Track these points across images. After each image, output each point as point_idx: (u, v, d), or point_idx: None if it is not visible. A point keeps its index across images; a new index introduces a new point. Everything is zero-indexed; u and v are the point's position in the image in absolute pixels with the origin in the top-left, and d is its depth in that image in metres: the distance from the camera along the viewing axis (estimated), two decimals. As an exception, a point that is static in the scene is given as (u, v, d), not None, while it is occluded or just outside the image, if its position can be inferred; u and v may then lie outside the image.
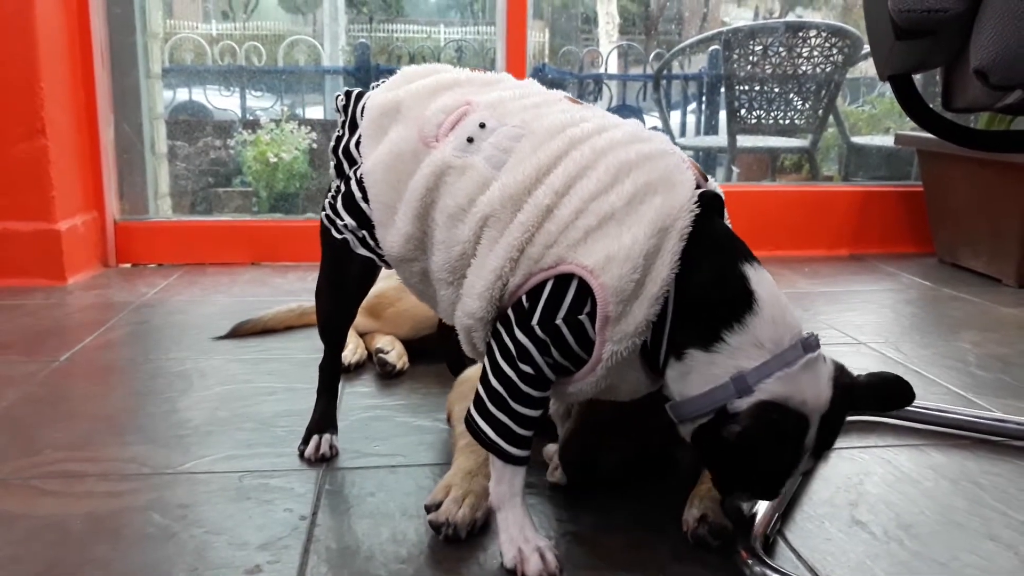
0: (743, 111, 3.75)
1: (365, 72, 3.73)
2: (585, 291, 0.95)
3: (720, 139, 4.05)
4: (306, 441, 1.33)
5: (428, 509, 1.11)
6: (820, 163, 3.96)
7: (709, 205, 0.99)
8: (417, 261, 1.12)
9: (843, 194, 3.21)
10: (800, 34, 3.71)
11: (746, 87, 3.74)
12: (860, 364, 1.83)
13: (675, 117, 4.50)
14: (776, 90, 3.72)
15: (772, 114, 3.74)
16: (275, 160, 3.34)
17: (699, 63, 4.44)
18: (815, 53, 3.68)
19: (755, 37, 3.75)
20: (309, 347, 1.83)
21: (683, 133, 4.50)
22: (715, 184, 1.06)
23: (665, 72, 4.37)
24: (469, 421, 1.04)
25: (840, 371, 0.98)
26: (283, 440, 1.38)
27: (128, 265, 2.77)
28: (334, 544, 1.08)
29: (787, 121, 3.76)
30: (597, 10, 4.92)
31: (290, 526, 1.12)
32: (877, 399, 1.04)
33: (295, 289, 2.43)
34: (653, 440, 1.24)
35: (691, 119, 4.58)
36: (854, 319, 2.21)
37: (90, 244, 2.67)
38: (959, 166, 2.77)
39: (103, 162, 2.71)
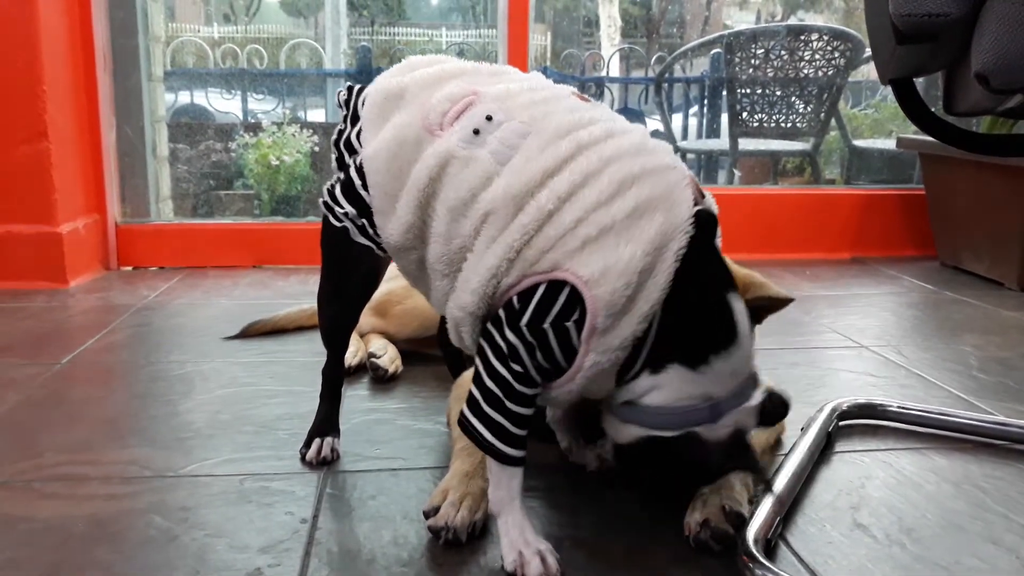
0: (745, 114, 3.76)
1: (367, 75, 3.74)
2: (575, 299, 0.96)
3: (722, 142, 4.06)
4: (308, 444, 1.33)
5: (427, 515, 1.11)
6: (822, 166, 3.96)
7: (704, 226, 1.01)
8: (415, 250, 1.11)
9: (845, 197, 3.21)
10: (802, 37, 3.72)
11: (748, 90, 3.74)
12: (861, 367, 1.84)
13: (677, 120, 4.50)
14: (778, 93, 3.72)
15: (774, 117, 3.74)
16: (277, 163, 3.35)
17: (701, 66, 4.44)
18: (817, 56, 3.68)
19: (757, 40, 3.76)
20: (311, 350, 1.83)
21: (685, 136, 4.50)
22: (711, 201, 1.07)
23: (667, 75, 4.37)
24: (464, 423, 1.03)
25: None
26: (284, 443, 1.38)
27: (129, 268, 2.77)
28: (335, 547, 1.08)
29: (789, 124, 3.76)
30: (599, 13, 4.93)
31: (291, 529, 1.12)
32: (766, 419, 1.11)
33: (297, 292, 2.43)
34: None
35: (693, 122, 4.59)
36: (856, 322, 2.21)
37: (91, 247, 2.67)
38: (961, 170, 2.77)
39: (105, 165, 2.72)
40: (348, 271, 1.25)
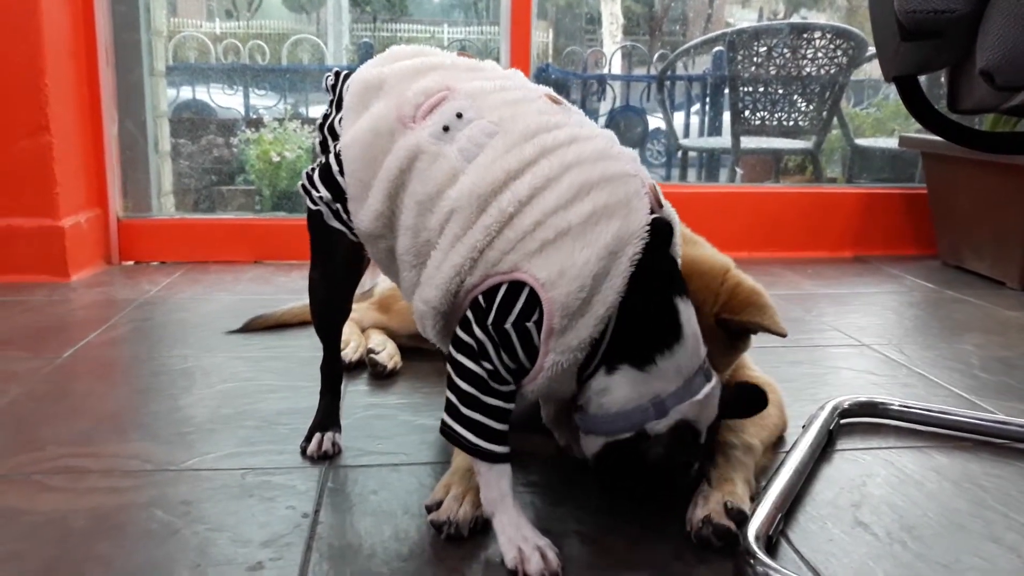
0: (747, 112, 3.75)
1: (369, 71, 3.73)
2: (535, 300, 0.99)
3: (724, 140, 4.05)
4: (309, 439, 1.33)
5: (429, 509, 1.12)
6: (824, 165, 3.96)
7: (659, 233, 1.04)
8: (384, 239, 1.14)
9: (847, 196, 3.21)
10: (804, 35, 3.71)
11: (750, 88, 3.74)
12: (863, 366, 1.84)
13: (679, 118, 4.50)
14: (780, 91, 3.72)
15: (776, 115, 3.74)
16: (278, 159, 3.35)
17: (703, 64, 4.43)
18: (819, 55, 3.68)
19: (759, 38, 3.75)
20: (312, 345, 1.82)
21: (687, 134, 4.50)
22: (670, 209, 1.11)
23: (669, 73, 4.37)
24: (445, 430, 1.06)
25: (721, 389, 1.11)
26: (286, 438, 1.38)
27: (131, 263, 2.77)
28: (336, 542, 1.08)
29: (791, 123, 3.76)
30: (601, 10, 4.92)
31: (292, 523, 1.12)
32: (739, 409, 1.16)
33: (298, 287, 2.43)
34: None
35: (695, 120, 4.58)
36: (857, 320, 2.21)
37: (93, 241, 2.67)
38: (963, 169, 2.77)
39: (107, 159, 2.72)
40: (331, 256, 1.27)
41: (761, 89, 3.73)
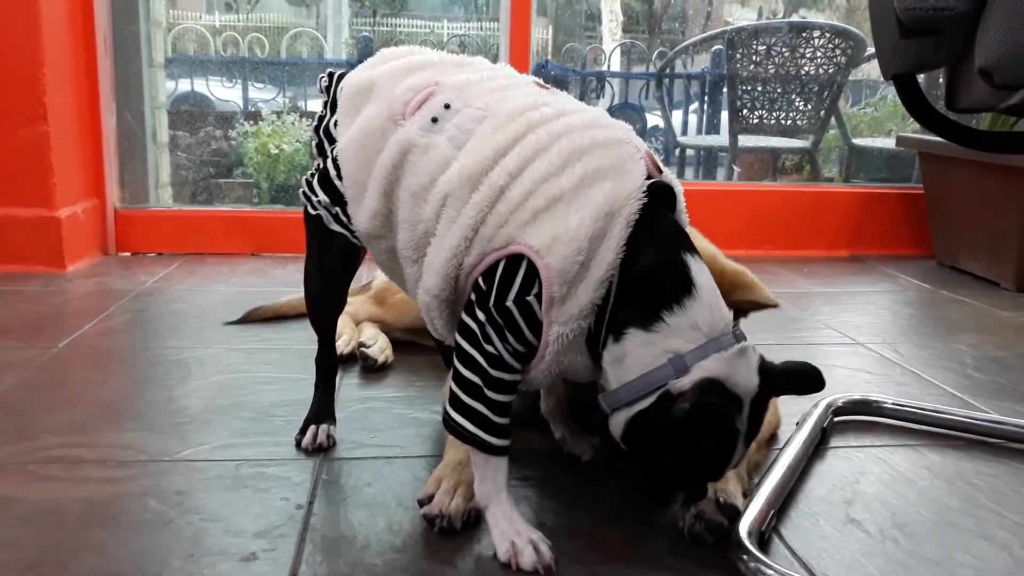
0: (745, 111, 3.75)
1: (368, 65, 3.73)
2: (534, 272, 0.97)
3: (722, 138, 4.06)
4: (303, 431, 1.33)
5: (421, 503, 1.12)
6: (821, 164, 3.96)
7: (659, 195, 1.01)
8: (384, 239, 1.14)
9: (843, 195, 3.21)
10: (803, 35, 3.72)
11: (748, 87, 3.74)
12: (857, 364, 1.84)
13: (677, 116, 4.50)
14: (778, 90, 3.72)
15: (774, 114, 3.74)
16: (276, 152, 3.34)
17: (702, 62, 4.44)
18: (818, 54, 3.68)
19: (758, 37, 3.75)
20: (308, 338, 1.81)
21: (685, 132, 4.50)
22: (671, 177, 1.07)
23: (668, 71, 4.37)
24: (446, 419, 1.04)
25: (763, 359, 0.99)
26: (281, 429, 1.38)
27: (128, 254, 2.76)
28: (330, 533, 1.08)
29: (789, 122, 3.76)
30: (601, 8, 4.92)
31: (286, 515, 1.12)
32: (794, 385, 1.04)
33: (294, 280, 2.43)
34: None
35: (693, 118, 4.59)
36: (852, 319, 2.21)
37: (90, 232, 2.66)
38: (960, 169, 2.77)
39: (104, 150, 2.71)
40: (327, 249, 1.27)
41: (759, 88, 3.73)
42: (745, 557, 1.00)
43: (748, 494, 1.15)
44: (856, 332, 2.09)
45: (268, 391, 1.56)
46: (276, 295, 2.08)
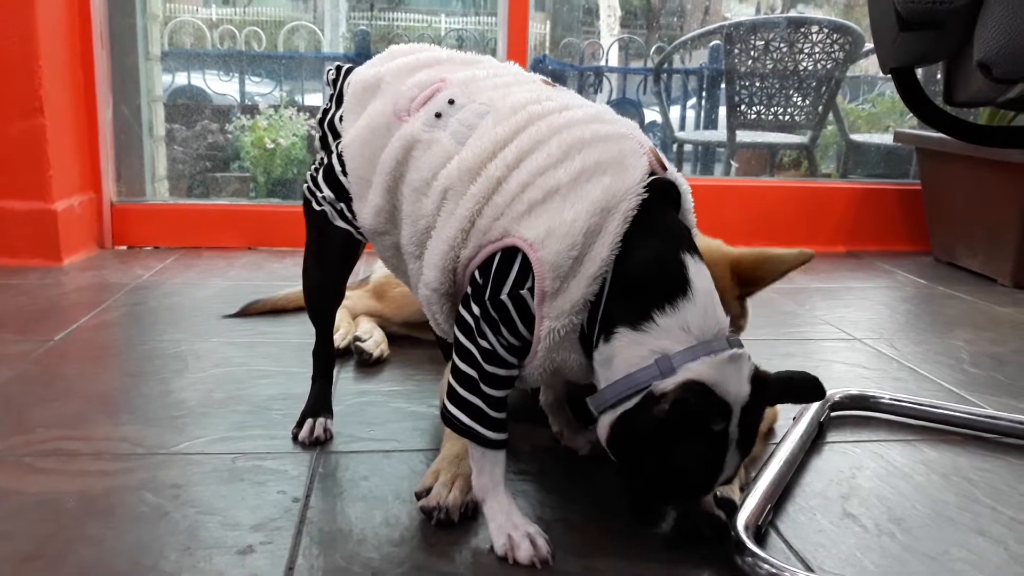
0: (743, 106, 3.75)
1: (365, 60, 3.71)
2: (528, 265, 0.96)
3: (719, 134, 4.05)
4: (300, 424, 1.33)
5: (418, 496, 1.12)
6: (819, 160, 3.96)
7: (662, 192, 0.99)
8: (389, 235, 1.14)
9: (841, 191, 3.21)
10: (802, 30, 3.71)
11: (746, 82, 3.74)
12: (854, 359, 1.84)
13: (675, 111, 4.50)
14: (776, 86, 3.72)
15: (772, 110, 3.74)
16: (273, 146, 3.34)
17: (700, 57, 4.43)
18: (816, 49, 3.67)
19: (757, 32, 3.75)
20: (304, 331, 1.81)
21: (683, 127, 4.50)
22: (676, 174, 1.04)
23: (666, 66, 4.36)
24: (444, 412, 1.04)
25: (757, 369, 0.96)
26: (277, 423, 1.38)
27: (124, 247, 2.76)
28: (327, 527, 1.08)
29: (787, 117, 3.76)
30: (599, 2, 4.91)
31: (283, 508, 1.12)
32: (791, 394, 1.02)
33: (291, 274, 2.43)
34: None
35: (691, 113, 4.58)
36: (849, 315, 2.22)
37: (86, 225, 2.66)
38: (958, 165, 2.77)
39: (101, 143, 2.70)
40: (326, 242, 1.26)
41: (757, 83, 3.73)
42: (742, 551, 1.00)
43: (745, 488, 1.15)
44: (853, 328, 2.09)
45: (265, 384, 1.56)
46: (273, 289, 2.08)
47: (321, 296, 1.34)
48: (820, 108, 3.74)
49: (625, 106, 4.53)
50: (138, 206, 2.81)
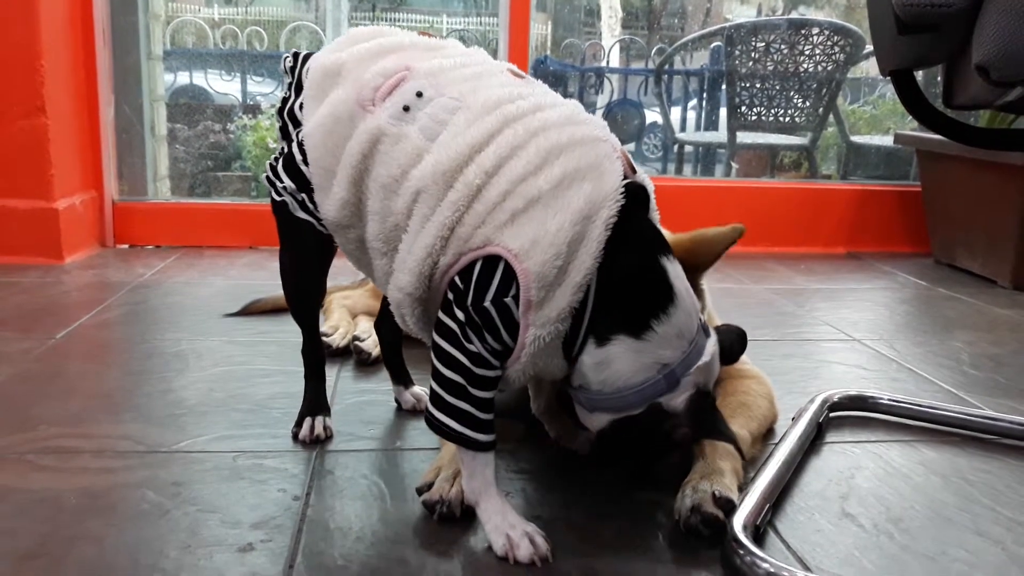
0: (744, 107, 3.75)
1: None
2: (511, 274, 0.96)
3: (720, 135, 4.06)
4: (299, 424, 1.33)
5: (420, 491, 1.12)
6: (819, 161, 3.96)
7: (634, 196, 1.00)
8: (353, 228, 1.12)
9: (841, 192, 3.21)
10: (803, 32, 3.71)
11: (747, 84, 3.74)
12: (853, 360, 1.85)
13: (676, 112, 4.50)
14: (777, 87, 3.72)
15: (772, 111, 3.74)
16: (274, 145, 3.34)
17: (701, 59, 4.44)
18: (817, 51, 3.68)
19: (757, 34, 3.75)
20: (305, 331, 1.83)
21: (683, 128, 4.50)
22: (644, 176, 1.06)
23: (667, 67, 4.37)
24: (430, 420, 1.04)
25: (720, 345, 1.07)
26: (278, 421, 1.39)
27: (126, 246, 2.76)
28: (327, 525, 1.08)
29: (787, 119, 3.76)
30: (600, 3, 4.91)
31: (283, 506, 1.12)
32: (731, 355, 1.13)
33: (292, 274, 2.43)
34: None
35: (692, 115, 4.59)
36: (849, 316, 2.22)
37: (88, 224, 2.66)
38: (957, 167, 2.78)
39: (102, 142, 2.71)
40: (299, 240, 1.24)
41: (758, 85, 3.73)
42: (740, 551, 1.00)
43: (744, 488, 1.15)
44: (853, 328, 2.09)
45: (266, 383, 1.56)
46: (274, 288, 2.07)
47: (302, 295, 1.33)
48: (821, 110, 3.74)
49: (626, 107, 4.54)
50: (140, 205, 2.82)
